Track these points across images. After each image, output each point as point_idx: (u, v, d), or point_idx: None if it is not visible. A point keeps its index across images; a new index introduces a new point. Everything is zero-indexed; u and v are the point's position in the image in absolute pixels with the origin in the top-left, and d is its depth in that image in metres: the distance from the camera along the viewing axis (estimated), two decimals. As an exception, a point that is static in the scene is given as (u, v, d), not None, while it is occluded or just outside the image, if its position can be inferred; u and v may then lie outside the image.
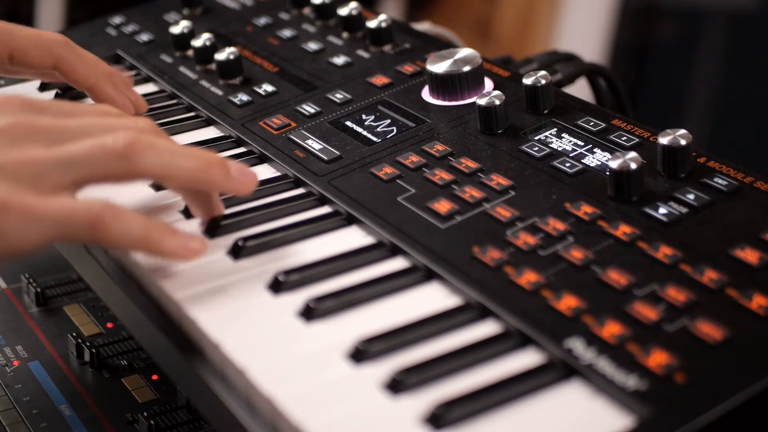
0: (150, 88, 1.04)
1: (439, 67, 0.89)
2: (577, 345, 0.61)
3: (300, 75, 0.99)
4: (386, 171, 0.81)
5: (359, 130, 0.88)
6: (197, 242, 0.69)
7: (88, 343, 0.89)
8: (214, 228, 0.76)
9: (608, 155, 0.78)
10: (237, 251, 0.73)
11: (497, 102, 0.83)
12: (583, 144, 0.81)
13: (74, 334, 0.90)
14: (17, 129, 0.67)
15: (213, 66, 1.01)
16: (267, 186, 0.83)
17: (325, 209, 0.80)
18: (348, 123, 0.89)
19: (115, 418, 0.82)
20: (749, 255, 0.66)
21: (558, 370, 0.61)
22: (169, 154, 0.69)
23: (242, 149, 0.90)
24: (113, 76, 0.93)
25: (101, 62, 0.93)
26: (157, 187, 0.83)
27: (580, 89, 1.10)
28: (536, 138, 0.82)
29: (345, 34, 1.05)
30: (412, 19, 2.66)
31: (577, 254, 0.68)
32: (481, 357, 0.63)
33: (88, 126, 0.70)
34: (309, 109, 0.92)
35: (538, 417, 0.58)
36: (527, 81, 0.85)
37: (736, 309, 0.63)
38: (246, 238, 0.74)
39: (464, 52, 0.90)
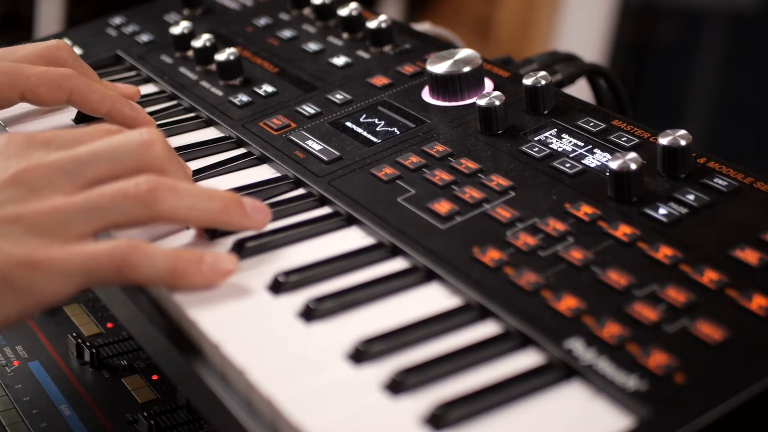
0: (150, 88, 1.04)
1: (439, 67, 0.89)
2: (577, 345, 0.61)
3: (300, 76, 0.99)
4: (386, 172, 0.81)
5: (359, 130, 0.88)
6: (228, 262, 0.69)
7: (88, 343, 0.89)
8: (214, 229, 0.76)
9: (608, 156, 0.78)
10: (237, 252, 0.73)
11: (497, 102, 0.83)
12: (583, 144, 0.81)
13: (74, 334, 0.90)
14: (31, 174, 0.67)
15: (213, 66, 1.01)
16: (267, 187, 0.83)
17: (325, 210, 0.80)
18: (348, 123, 0.89)
19: (115, 418, 0.82)
20: (749, 255, 0.66)
21: (558, 371, 0.61)
22: (190, 197, 0.69)
23: (242, 150, 0.90)
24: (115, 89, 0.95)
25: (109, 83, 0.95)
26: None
27: (580, 89, 1.10)
28: (536, 138, 0.82)
29: (345, 35, 1.05)
30: (412, 20, 2.66)
31: (577, 255, 0.68)
32: (481, 357, 0.63)
33: (99, 149, 0.69)
34: (309, 109, 0.92)
35: (538, 417, 0.58)
36: (527, 81, 0.85)
37: (736, 309, 0.63)
38: (246, 239, 0.74)
39: (464, 52, 0.90)
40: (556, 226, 0.71)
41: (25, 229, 0.65)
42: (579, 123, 0.83)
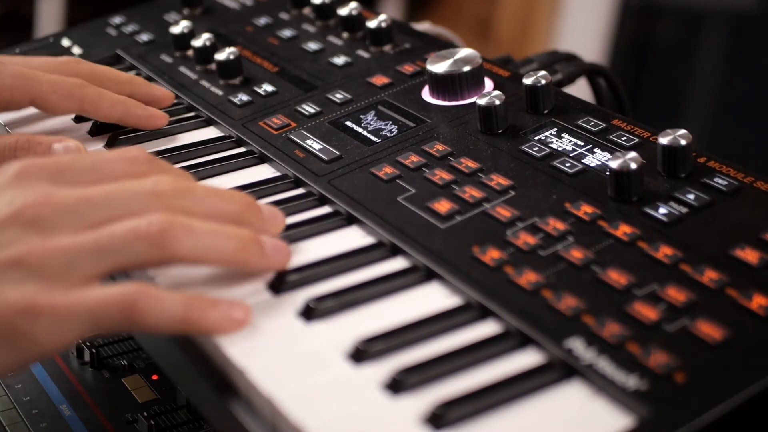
0: (150, 88, 1.04)
1: (439, 67, 0.89)
2: (577, 345, 0.61)
3: (300, 75, 0.99)
4: (386, 171, 0.81)
5: (359, 130, 0.88)
6: (241, 311, 0.65)
7: (88, 343, 0.89)
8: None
9: (608, 155, 0.78)
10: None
11: (497, 102, 0.83)
12: (583, 144, 0.81)
13: (74, 334, 0.90)
14: (37, 210, 0.63)
15: (213, 66, 1.01)
16: (267, 186, 0.83)
17: (325, 209, 0.80)
18: (348, 123, 0.89)
19: (115, 418, 0.82)
20: (749, 255, 0.66)
21: (558, 370, 0.61)
22: (206, 237, 0.65)
23: (242, 149, 0.90)
24: (134, 83, 0.94)
25: (119, 77, 0.94)
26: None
27: (580, 89, 1.10)
28: (536, 138, 0.82)
29: (345, 34, 1.05)
30: (412, 19, 2.66)
31: (577, 254, 0.68)
32: (481, 357, 0.63)
33: (113, 197, 0.65)
34: (309, 109, 0.92)
35: (538, 417, 0.58)
36: (527, 81, 0.85)
37: (736, 309, 0.63)
38: (246, 238, 0.74)
39: (464, 52, 0.90)
40: (556, 225, 0.71)
41: (28, 273, 0.60)
42: (579, 122, 0.83)
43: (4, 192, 0.64)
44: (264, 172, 0.86)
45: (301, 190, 0.83)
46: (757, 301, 0.62)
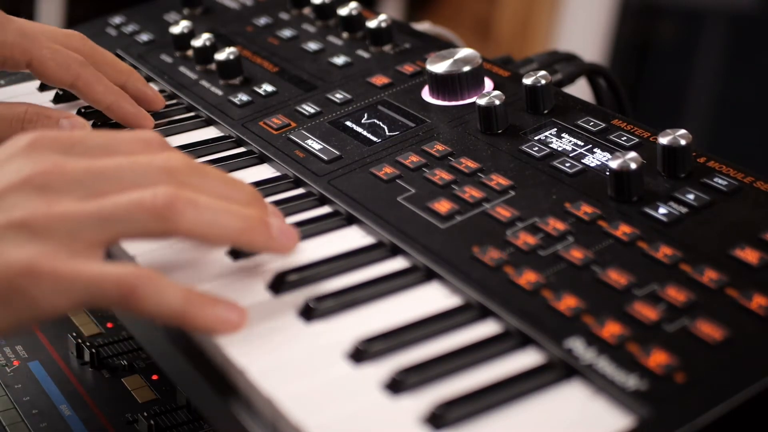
0: (150, 88, 1.04)
1: (439, 67, 0.89)
2: (577, 345, 0.61)
3: (300, 75, 0.99)
4: (386, 171, 0.81)
5: (359, 130, 0.88)
6: (237, 314, 0.65)
7: (88, 343, 0.89)
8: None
9: (608, 155, 0.78)
10: (237, 251, 0.73)
11: (497, 102, 0.83)
12: (583, 144, 0.81)
13: (74, 334, 0.90)
14: (46, 177, 0.63)
15: (213, 66, 1.01)
16: (267, 186, 0.83)
17: (325, 209, 0.80)
18: (348, 123, 0.89)
19: (115, 418, 0.82)
20: (749, 255, 0.66)
21: (558, 370, 0.61)
22: (211, 213, 0.64)
23: (242, 149, 0.90)
24: (131, 76, 0.95)
25: (117, 65, 0.94)
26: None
27: (580, 89, 1.10)
28: (536, 138, 0.82)
29: (345, 34, 1.05)
30: (412, 19, 2.66)
31: (577, 254, 0.68)
32: (481, 357, 0.63)
33: (123, 169, 0.65)
34: (309, 109, 0.92)
35: (538, 417, 0.58)
36: (527, 81, 0.85)
37: (736, 309, 0.63)
38: (246, 238, 0.74)
39: (464, 52, 0.90)
40: (556, 225, 0.71)
41: (31, 236, 0.61)
42: (579, 122, 0.83)
43: (15, 160, 0.65)
44: (264, 172, 0.86)
45: (301, 190, 0.83)
46: (757, 301, 0.62)
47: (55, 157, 0.65)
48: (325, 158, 0.84)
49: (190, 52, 1.05)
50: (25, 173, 0.63)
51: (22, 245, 0.60)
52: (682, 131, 0.75)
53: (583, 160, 0.79)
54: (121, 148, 0.68)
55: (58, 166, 0.64)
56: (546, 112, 0.85)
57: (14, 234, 0.61)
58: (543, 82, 0.85)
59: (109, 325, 0.93)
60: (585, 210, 0.72)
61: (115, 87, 0.91)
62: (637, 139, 0.80)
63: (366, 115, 0.90)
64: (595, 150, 0.80)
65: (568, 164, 0.78)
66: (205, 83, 1.00)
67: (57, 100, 1.00)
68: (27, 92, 1.04)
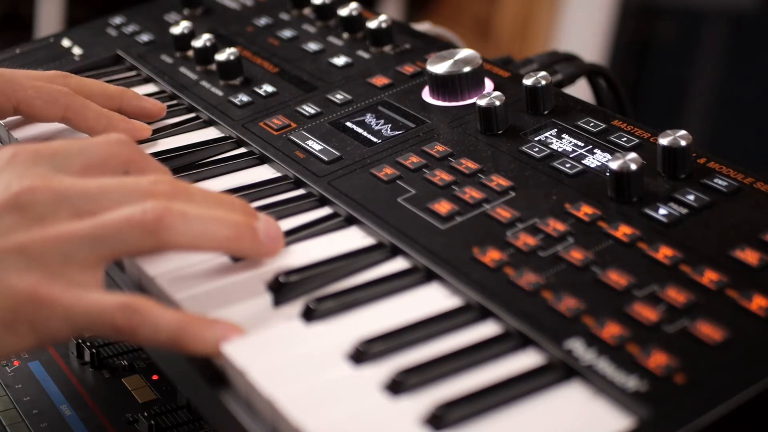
0: (150, 88, 1.04)
1: (439, 67, 0.89)
2: (577, 346, 0.61)
3: (300, 75, 0.99)
4: (386, 172, 0.81)
5: (359, 130, 0.88)
6: (234, 334, 0.65)
7: (88, 343, 0.89)
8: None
9: (608, 156, 0.79)
10: (237, 252, 0.73)
11: (497, 103, 0.83)
12: (583, 145, 0.81)
13: (74, 335, 0.90)
14: (34, 196, 0.64)
15: (213, 66, 1.01)
16: (267, 187, 0.83)
17: (325, 210, 0.80)
18: (348, 124, 0.89)
19: (115, 418, 0.82)
20: (749, 256, 0.66)
21: (558, 371, 0.61)
22: (200, 223, 0.66)
23: (242, 150, 0.90)
24: (124, 96, 0.93)
25: (108, 90, 0.93)
26: None
27: (580, 89, 1.10)
28: (536, 139, 0.82)
29: (345, 35, 1.05)
30: (412, 20, 2.66)
31: (577, 255, 0.68)
32: (482, 358, 0.63)
33: (107, 190, 0.66)
34: (309, 109, 0.92)
35: (538, 418, 0.58)
36: (527, 81, 0.85)
37: (736, 310, 0.63)
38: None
39: (464, 52, 0.90)
40: (556, 226, 0.71)
41: (29, 262, 0.62)
42: (579, 123, 0.83)
43: (1, 176, 0.65)
44: (264, 172, 0.86)
45: (301, 191, 0.83)
46: (757, 302, 0.62)
47: (40, 169, 0.66)
48: (326, 159, 0.84)
49: (190, 53, 1.05)
50: (14, 190, 0.64)
51: (22, 272, 0.61)
52: (682, 132, 0.75)
53: (583, 161, 0.79)
54: (98, 148, 0.69)
55: (45, 182, 0.65)
56: (546, 112, 0.85)
57: (14, 259, 0.62)
58: (543, 82, 0.85)
59: (109, 325, 0.93)
60: (585, 211, 0.72)
61: (104, 110, 0.89)
62: (637, 140, 0.80)
63: (366, 116, 0.90)
64: (595, 151, 0.80)
65: (568, 165, 0.78)
66: (205, 84, 1.00)
67: None
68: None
